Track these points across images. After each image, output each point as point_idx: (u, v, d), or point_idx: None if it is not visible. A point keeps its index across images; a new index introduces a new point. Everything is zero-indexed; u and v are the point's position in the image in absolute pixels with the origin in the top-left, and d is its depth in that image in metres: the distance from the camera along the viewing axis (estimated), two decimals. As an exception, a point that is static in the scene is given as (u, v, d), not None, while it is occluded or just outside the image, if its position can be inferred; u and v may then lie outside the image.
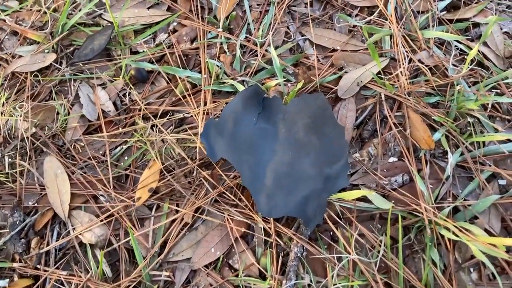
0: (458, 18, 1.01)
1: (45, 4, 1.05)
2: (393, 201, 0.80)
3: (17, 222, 0.81)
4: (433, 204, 0.78)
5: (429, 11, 1.01)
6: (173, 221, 0.82)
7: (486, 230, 0.76)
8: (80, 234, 0.80)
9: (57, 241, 0.81)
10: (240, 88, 0.91)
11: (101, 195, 0.84)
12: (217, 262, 0.78)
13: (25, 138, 0.89)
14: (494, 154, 0.84)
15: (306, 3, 1.05)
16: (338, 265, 0.74)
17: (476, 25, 1.01)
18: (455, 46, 0.96)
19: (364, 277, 0.74)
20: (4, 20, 1.03)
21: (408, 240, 0.78)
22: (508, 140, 0.84)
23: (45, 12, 1.04)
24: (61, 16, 1.00)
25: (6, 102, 0.93)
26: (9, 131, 0.90)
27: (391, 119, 0.88)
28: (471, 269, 0.75)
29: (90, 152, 0.89)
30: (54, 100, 0.94)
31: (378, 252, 0.75)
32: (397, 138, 0.86)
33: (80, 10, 1.04)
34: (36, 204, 0.84)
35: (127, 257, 0.79)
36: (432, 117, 0.86)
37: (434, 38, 0.98)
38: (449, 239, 0.75)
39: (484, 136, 0.84)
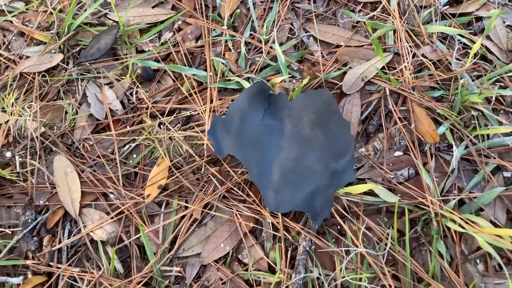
0: (461, 12, 1.02)
1: (51, 5, 1.06)
2: (399, 195, 0.81)
3: (29, 221, 0.83)
4: (439, 197, 0.79)
5: (432, 6, 1.02)
6: (183, 217, 0.83)
7: (491, 222, 0.77)
8: (91, 231, 0.81)
9: (69, 238, 0.82)
10: (246, 85, 0.92)
11: (111, 192, 0.86)
12: (226, 257, 0.80)
13: (35, 138, 0.90)
14: (498, 146, 0.84)
15: (310, 0, 1.06)
16: (346, 258, 0.75)
17: (479, 19, 1.02)
18: (458, 40, 0.97)
19: (372, 269, 0.75)
20: (11, 21, 1.04)
21: (415, 232, 0.79)
22: (512, 133, 0.85)
23: (51, 13, 1.05)
24: (67, 17, 1.01)
25: (15, 103, 0.94)
26: (18, 131, 0.91)
27: (396, 113, 0.89)
28: (478, 261, 0.77)
29: (99, 151, 0.90)
30: (62, 99, 0.95)
31: (386, 245, 0.76)
32: (402, 132, 0.87)
33: (85, 10, 1.05)
34: (47, 203, 0.86)
35: (138, 253, 0.81)
36: (437, 111, 0.87)
37: (437, 32, 0.98)
38: (455, 231, 0.76)
39: (489, 129, 0.85)
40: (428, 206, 0.77)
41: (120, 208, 0.84)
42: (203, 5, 1.06)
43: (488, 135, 0.85)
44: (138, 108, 0.95)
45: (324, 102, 0.82)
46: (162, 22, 1.04)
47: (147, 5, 1.07)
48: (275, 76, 0.95)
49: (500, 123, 0.87)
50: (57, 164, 0.88)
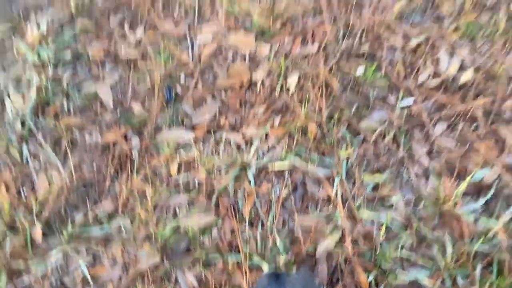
0: (379, 196, 1.78)
1: (150, 223, 1.87)
2: (352, 320, 1.56)
3: None
4: (372, 319, 1.54)
5: (362, 194, 1.78)
6: None
7: (398, 332, 1.51)
8: None
9: None
10: (263, 264, 1.69)
11: (203, 337, 1.63)
12: None
13: (156, 310, 1.69)
14: (398, 285, 1.59)
15: (292, 199, 1.84)
16: None
17: (388, 197, 1.78)
18: (378, 218, 1.73)
19: None
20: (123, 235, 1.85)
21: None
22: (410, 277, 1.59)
23: (149, 230, 1.85)
24: (159, 231, 1.81)
25: (141, 290, 1.73)
26: (147, 307, 1.70)
27: (346, 270, 1.64)
28: None
29: (192, 313, 1.67)
30: (165, 283, 1.74)
31: None
32: (350, 282, 1.62)
33: (167, 224, 1.85)
34: None
35: None
36: (367, 268, 1.62)
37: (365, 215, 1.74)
38: None
39: (397, 275, 1.59)
40: (366, 327, 1.52)
41: None
42: (233, 208, 1.85)
43: (396, 277, 1.59)
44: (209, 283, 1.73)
45: (307, 276, 1.58)
46: (211, 225, 1.83)
47: (199, 212, 1.87)
48: (279, 254, 1.72)
49: (404, 270, 1.61)
50: (171, 324, 1.65)
